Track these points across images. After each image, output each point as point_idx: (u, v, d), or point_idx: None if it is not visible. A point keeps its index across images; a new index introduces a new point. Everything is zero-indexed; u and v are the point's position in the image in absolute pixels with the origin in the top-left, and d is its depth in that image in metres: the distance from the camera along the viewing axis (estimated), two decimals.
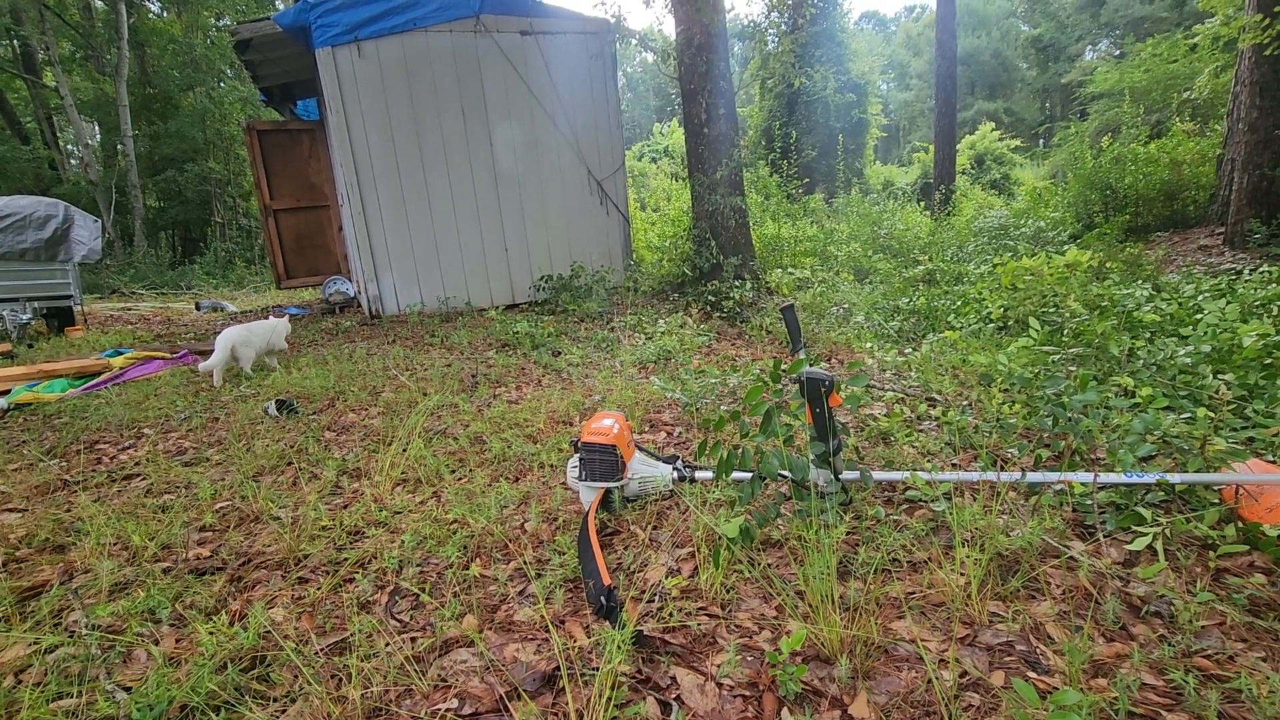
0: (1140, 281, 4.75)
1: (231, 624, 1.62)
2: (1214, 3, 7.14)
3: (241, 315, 8.48)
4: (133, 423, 3.50)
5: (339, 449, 2.94)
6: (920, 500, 2.03)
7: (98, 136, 19.94)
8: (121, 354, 5.16)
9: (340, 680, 1.41)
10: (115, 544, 2.08)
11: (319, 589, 1.78)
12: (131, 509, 2.35)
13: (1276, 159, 6.25)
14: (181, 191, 17.40)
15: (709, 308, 5.88)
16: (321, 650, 1.52)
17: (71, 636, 1.59)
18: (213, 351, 4.20)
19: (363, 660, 1.45)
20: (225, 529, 2.20)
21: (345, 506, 2.32)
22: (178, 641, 1.58)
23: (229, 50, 15.06)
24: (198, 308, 9.41)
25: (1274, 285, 4.15)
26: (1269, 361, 2.71)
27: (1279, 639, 1.37)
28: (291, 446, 2.97)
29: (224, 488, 2.53)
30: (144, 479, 2.70)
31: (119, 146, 16.97)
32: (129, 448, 3.14)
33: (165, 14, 20.10)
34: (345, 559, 1.93)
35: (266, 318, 4.69)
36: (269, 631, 1.56)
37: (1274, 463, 1.96)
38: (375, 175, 6.15)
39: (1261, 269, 4.77)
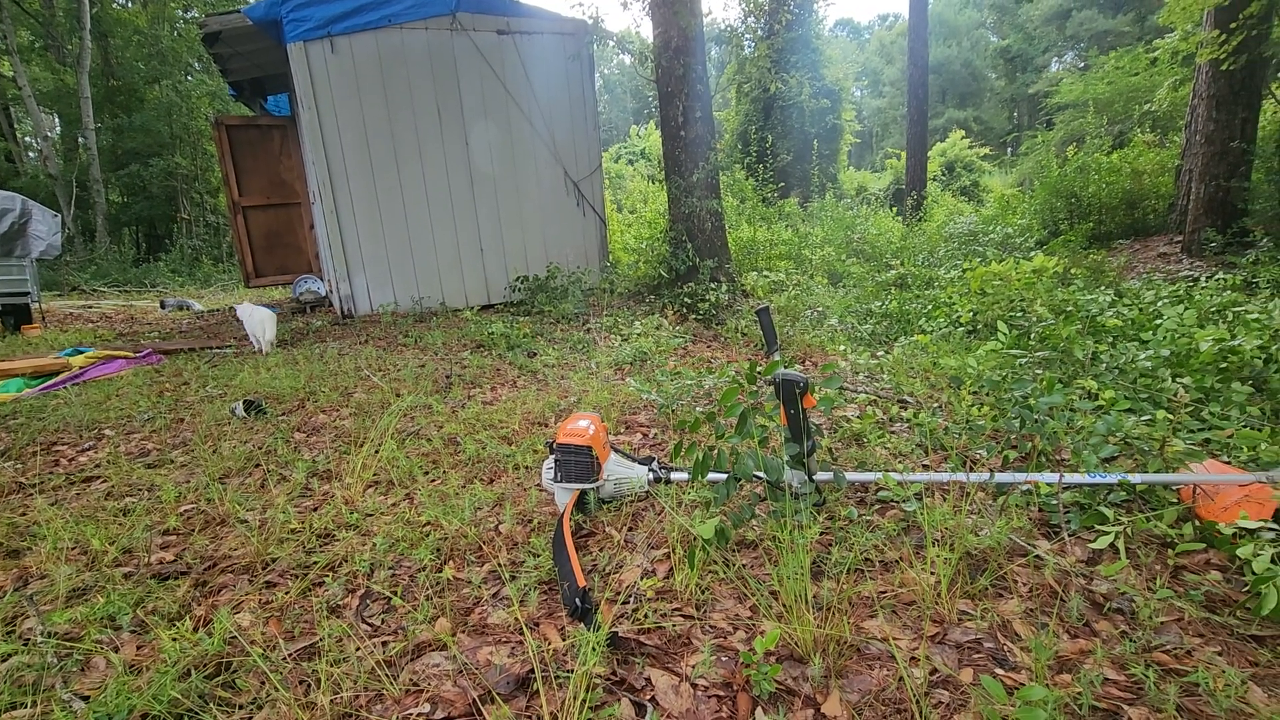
0: (1103, 287, 4.88)
1: (195, 630, 1.58)
2: (1173, 19, 7.38)
3: (208, 314, 8.28)
4: (93, 424, 3.40)
5: (309, 450, 2.89)
6: (892, 501, 2.06)
7: (57, 129, 19.33)
8: (82, 353, 5.00)
9: (309, 686, 1.39)
10: (73, 548, 2.01)
11: (287, 593, 1.74)
12: (91, 512, 2.28)
13: (1231, 170, 6.49)
14: (146, 187, 16.93)
15: (685, 310, 5.90)
16: (289, 656, 1.49)
17: (26, 644, 1.54)
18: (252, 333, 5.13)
19: (332, 665, 1.42)
20: (190, 532, 2.14)
21: (315, 509, 2.28)
22: (139, 648, 1.54)
23: (197, 43, 14.74)
24: (163, 306, 9.16)
25: (1229, 292, 4.31)
26: (1224, 366, 2.80)
27: (1234, 634, 1.42)
28: (259, 448, 2.91)
29: (189, 490, 2.47)
30: (104, 481, 2.62)
31: (80, 139, 16.44)
32: (89, 449, 3.05)
33: (130, 4, 19.57)
34: (315, 562, 1.89)
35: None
36: (235, 637, 1.53)
37: (1229, 463, 2.02)
38: (348, 173, 6.05)
39: (1217, 276, 4.94)
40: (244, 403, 3.42)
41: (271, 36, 6.00)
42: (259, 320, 5.09)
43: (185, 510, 2.30)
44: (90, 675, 1.45)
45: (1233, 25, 5.99)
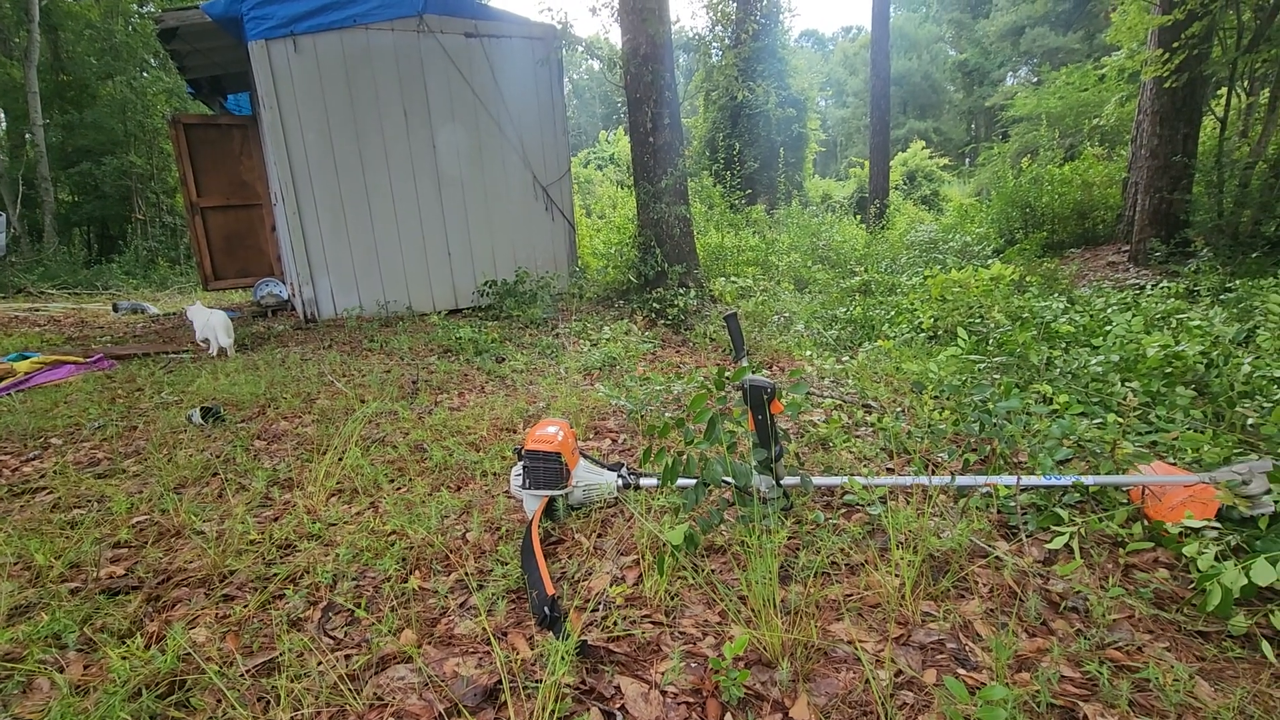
0: (1056, 295, 5.05)
1: (147, 647, 1.52)
2: (1120, 37, 7.71)
3: (164, 318, 8.02)
4: (39, 432, 3.26)
5: (269, 458, 2.81)
6: (857, 504, 2.09)
7: (3, 124, 18.51)
8: (27, 358, 4.79)
9: (268, 703, 1.35)
10: (16, 564, 1.92)
11: (245, 607, 1.69)
12: (35, 525, 2.18)
13: (1174, 183, 6.78)
14: (98, 186, 16.30)
15: (654, 315, 5.92)
16: (248, 672, 1.44)
17: None
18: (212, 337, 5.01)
19: (293, 681, 1.39)
20: (142, 545, 2.07)
21: (275, 519, 2.22)
22: (86, 668, 1.48)
23: (153, 38, 14.26)
24: (116, 309, 8.82)
25: (1173, 300, 4.49)
26: (1169, 371, 2.92)
27: (1182, 630, 1.48)
28: (217, 456, 2.82)
29: (141, 501, 2.38)
30: (50, 493, 2.51)
31: (27, 136, 15.76)
32: (34, 459, 2.92)
33: None
34: (275, 574, 1.84)
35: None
36: (189, 653, 1.48)
37: (1174, 465, 2.11)
38: (312, 174, 5.93)
39: (1162, 284, 5.16)
40: (201, 409, 3.32)
41: (231, 34, 5.86)
42: (213, 326, 4.96)
43: (138, 522, 2.22)
44: (33, 698, 1.39)
45: (1175, 45, 6.27)
